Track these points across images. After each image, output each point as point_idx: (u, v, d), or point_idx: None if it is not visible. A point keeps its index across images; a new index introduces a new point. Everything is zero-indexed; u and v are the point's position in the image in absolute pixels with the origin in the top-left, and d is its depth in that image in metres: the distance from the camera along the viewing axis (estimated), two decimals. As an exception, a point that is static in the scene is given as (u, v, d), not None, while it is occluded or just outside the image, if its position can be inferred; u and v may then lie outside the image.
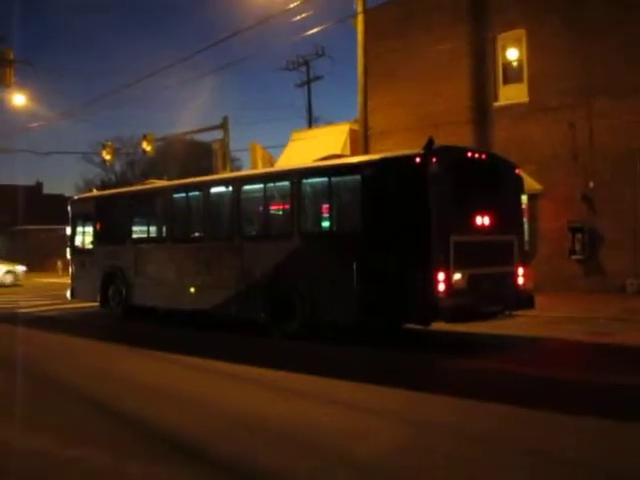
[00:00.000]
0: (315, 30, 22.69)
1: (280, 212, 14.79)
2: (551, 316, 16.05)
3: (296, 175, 13.95)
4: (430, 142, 11.62)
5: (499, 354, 11.93)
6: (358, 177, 12.72)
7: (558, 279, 21.26)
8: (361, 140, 21.96)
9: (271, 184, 14.62)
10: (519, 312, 14.36)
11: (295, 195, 13.71)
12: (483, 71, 23.81)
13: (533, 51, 22.69)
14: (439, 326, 12.20)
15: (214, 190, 16.01)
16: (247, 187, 15.18)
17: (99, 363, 11.74)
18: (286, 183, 14.09)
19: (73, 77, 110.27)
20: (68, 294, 20.12)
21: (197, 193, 16.47)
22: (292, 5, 21.45)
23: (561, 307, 17.46)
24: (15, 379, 10.31)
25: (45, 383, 10.14)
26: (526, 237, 21.23)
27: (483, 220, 12.20)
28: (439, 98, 24.49)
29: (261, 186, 14.74)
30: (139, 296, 17.42)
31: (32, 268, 50.20)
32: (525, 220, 21.49)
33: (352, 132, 26.93)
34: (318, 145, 26.97)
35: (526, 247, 16.13)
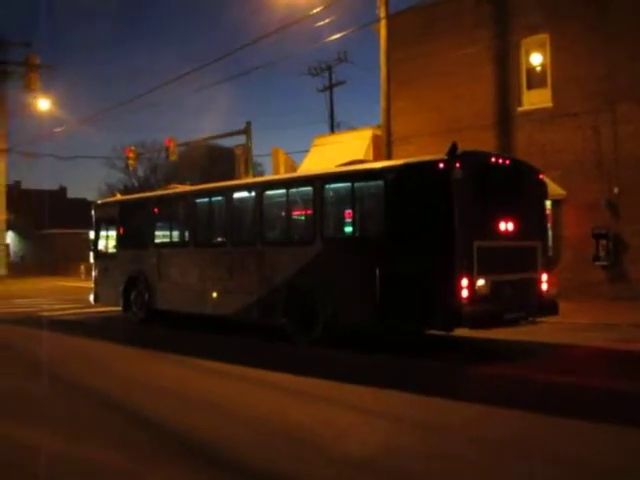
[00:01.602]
0: (338, 36, 22.71)
1: (302, 217, 14.78)
2: (575, 323, 15.92)
3: (318, 180, 13.91)
4: (454, 147, 11.53)
5: (523, 361, 11.85)
6: (381, 182, 12.67)
7: (582, 286, 21.10)
8: (384, 145, 21.95)
9: (293, 189, 14.59)
10: (542, 319, 14.25)
11: (317, 200, 13.67)
12: (506, 76, 23.72)
13: (557, 56, 22.56)
14: (462, 332, 12.12)
15: (236, 195, 16.00)
16: (269, 192, 15.16)
17: (121, 366, 11.82)
18: (308, 188, 14.05)
19: (97, 82, 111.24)
20: (91, 298, 20.18)
21: (219, 198, 16.49)
22: (315, 11, 21.50)
23: (585, 314, 17.31)
24: (39, 381, 10.39)
25: (68, 385, 10.20)
26: (550, 243, 21.14)
27: (507, 226, 12.12)
28: (462, 103, 24.44)
29: (283, 191, 14.74)
30: (161, 300, 17.44)
31: (56, 272, 50.75)
32: (549, 226, 21.42)
33: (375, 137, 26.91)
34: (341, 150, 26.97)
35: (550, 253, 16.11)
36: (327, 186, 13.78)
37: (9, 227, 50.35)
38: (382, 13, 21.51)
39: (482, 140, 23.38)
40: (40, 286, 36.36)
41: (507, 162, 12.89)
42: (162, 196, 19.31)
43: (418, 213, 11.89)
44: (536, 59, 23.56)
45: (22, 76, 40.36)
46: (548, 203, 22.30)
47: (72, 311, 21.69)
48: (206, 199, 17.06)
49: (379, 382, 9.86)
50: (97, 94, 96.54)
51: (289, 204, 14.65)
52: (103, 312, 20.54)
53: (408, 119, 25.56)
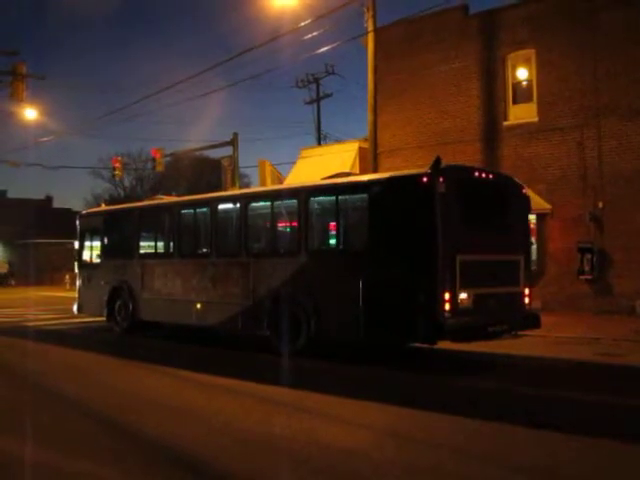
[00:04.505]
0: (325, 48, 22.80)
1: (287, 229, 14.82)
2: (559, 336, 15.94)
3: (304, 193, 13.93)
4: (437, 161, 11.58)
5: (507, 374, 11.90)
6: (365, 195, 12.74)
7: (566, 299, 21.21)
8: (370, 158, 22.00)
9: (278, 201, 14.64)
10: (527, 332, 14.27)
11: (302, 212, 13.69)
12: (493, 90, 23.84)
13: (542, 71, 22.71)
14: (446, 345, 12.14)
15: (221, 206, 16.01)
16: (254, 204, 15.20)
17: (105, 378, 11.73)
18: (293, 200, 14.08)
19: (83, 92, 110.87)
20: (75, 308, 20.07)
21: (204, 209, 16.48)
22: (303, 24, 21.57)
23: (569, 327, 17.34)
24: (23, 393, 10.35)
25: (53, 397, 10.11)
26: (533, 256, 21.25)
27: (490, 239, 12.21)
28: (448, 116, 24.56)
29: (268, 203, 14.77)
30: (145, 311, 17.38)
31: (41, 281, 50.46)
32: (534, 240, 21.52)
33: (361, 150, 26.97)
34: (327, 163, 27.02)
35: (533, 267, 16.06)
36: (312, 198, 13.82)
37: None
38: (370, 26, 21.58)
39: (468, 154, 23.51)
40: (25, 295, 36.10)
41: (491, 176, 12.98)
42: (147, 207, 19.33)
43: (402, 226, 11.93)
44: (522, 74, 23.69)
45: (8, 85, 40.19)
46: (533, 217, 22.45)
47: (57, 321, 21.55)
48: (191, 210, 17.09)
49: (362, 394, 9.83)
50: (83, 103, 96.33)
51: (274, 216, 14.66)
52: (88, 322, 20.41)
53: (395, 132, 25.65)
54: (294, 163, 31.71)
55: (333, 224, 13.51)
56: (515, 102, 23.71)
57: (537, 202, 22.22)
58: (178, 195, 23.21)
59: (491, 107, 23.84)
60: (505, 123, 23.59)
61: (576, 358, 13.14)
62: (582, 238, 21.30)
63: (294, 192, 14.51)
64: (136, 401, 9.76)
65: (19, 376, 12.01)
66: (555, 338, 15.76)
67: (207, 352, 15.28)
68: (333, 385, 10.69)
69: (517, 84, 23.83)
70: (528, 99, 23.31)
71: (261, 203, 15.20)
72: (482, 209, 12.34)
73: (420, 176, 11.66)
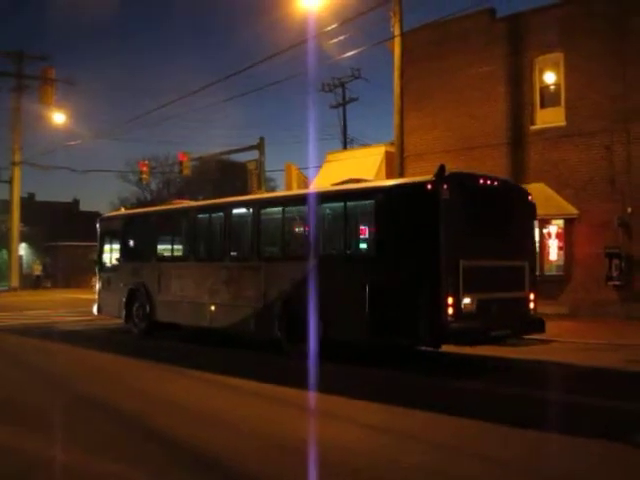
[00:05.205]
0: (351, 53, 22.83)
1: (297, 234, 15.18)
2: (586, 342, 15.80)
3: (313, 199, 14.24)
4: (441, 169, 11.80)
5: (531, 380, 11.78)
6: (372, 202, 12.98)
7: (594, 305, 21.01)
8: (397, 162, 21.98)
9: (289, 207, 14.97)
10: (555, 338, 14.18)
11: (312, 218, 14.01)
12: (520, 94, 23.72)
13: (571, 75, 22.55)
14: (465, 349, 12.15)
15: (234, 211, 16.34)
16: (266, 209, 15.50)
17: (130, 380, 11.84)
18: (303, 206, 14.41)
19: (111, 96, 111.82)
20: (94, 309, 20.42)
21: (218, 214, 16.83)
22: (329, 28, 21.61)
23: (596, 334, 17.18)
24: (50, 395, 10.48)
25: (78, 399, 10.20)
26: (560, 262, 21.12)
27: (494, 246, 12.41)
28: (475, 120, 24.46)
29: (280, 209, 15.06)
30: (161, 313, 17.74)
31: (68, 283, 50.92)
32: (560, 245, 21.36)
33: (388, 154, 26.91)
34: (353, 167, 26.99)
35: (560, 272, 15.93)
36: (321, 204, 14.07)
37: (22, 239, 50.61)
38: (396, 31, 21.59)
39: (495, 158, 23.44)
40: (51, 297, 36.44)
41: (495, 183, 13.10)
42: (163, 211, 19.80)
43: (407, 232, 12.14)
44: (550, 78, 23.56)
45: (37, 89, 40.69)
46: (560, 222, 22.32)
47: (82, 323, 21.79)
48: (205, 215, 17.49)
49: (385, 398, 9.86)
50: (111, 107, 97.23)
51: (285, 221, 14.99)
52: (111, 324, 20.55)
53: (421, 136, 25.58)
54: (320, 167, 31.73)
55: (341, 229, 13.70)
56: (543, 106, 23.56)
57: (564, 207, 22.09)
58: (204, 199, 23.32)
59: (518, 111, 23.72)
60: (532, 127, 23.45)
61: (605, 365, 13.01)
62: (610, 243, 21.11)
63: (303, 198, 14.87)
64: (161, 404, 9.81)
65: (44, 378, 12.15)
66: (583, 344, 15.62)
67: (223, 354, 15.49)
68: (355, 388, 10.69)
69: (545, 88, 23.69)
70: (556, 103, 23.16)
71: (272, 208, 15.47)
72: (486, 215, 12.55)
73: (424, 183, 11.93)
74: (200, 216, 17.58)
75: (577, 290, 21.54)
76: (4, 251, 53.07)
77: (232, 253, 16.05)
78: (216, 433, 8.01)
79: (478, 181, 12.76)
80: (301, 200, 14.90)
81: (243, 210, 16.17)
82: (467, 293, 11.61)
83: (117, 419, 8.83)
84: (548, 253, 22.71)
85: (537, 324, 13.25)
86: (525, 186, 21.81)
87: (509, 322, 12.63)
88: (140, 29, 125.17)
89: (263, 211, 15.38)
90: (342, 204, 13.53)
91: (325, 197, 14.34)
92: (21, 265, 51.43)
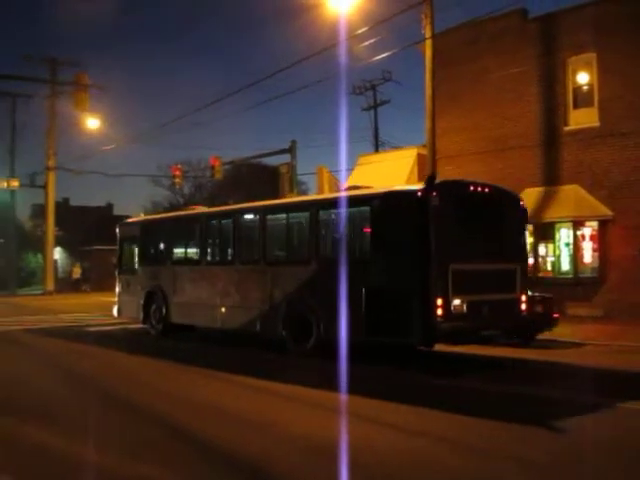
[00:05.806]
0: (382, 55, 22.78)
1: (300, 239, 15.69)
2: (622, 345, 15.64)
3: (314, 205, 15.14)
4: (431, 178, 12.82)
5: (564, 383, 11.71)
6: (367, 208, 13.59)
7: (629, 307, 20.75)
8: (429, 164, 21.96)
9: (292, 213, 15.70)
10: (590, 340, 14.06)
11: (313, 223, 14.71)
12: (552, 95, 23.55)
13: (604, 75, 22.34)
14: (492, 351, 12.67)
15: (243, 217, 17.04)
16: (271, 215, 16.07)
17: (157, 383, 12.02)
18: (305, 212, 15.13)
19: (143, 101, 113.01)
20: (115, 311, 21.00)
21: (228, 220, 17.48)
22: (360, 31, 21.62)
23: (632, 336, 16.97)
24: (84, 398, 10.62)
25: (108, 402, 10.30)
26: (595, 264, 20.87)
27: (484, 250, 12.94)
28: (507, 122, 24.33)
29: (283, 215, 15.78)
30: (176, 315, 18.29)
31: (101, 287, 51.41)
32: (595, 246, 21.15)
33: (420, 156, 26.89)
34: (385, 169, 27.01)
35: (594, 274, 15.81)
36: (321, 211, 14.87)
37: (57, 243, 51.21)
38: (427, 33, 21.57)
39: (527, 160, 23.33)
40: (85, 301, 36.82)
41: (486, 190, 13.56)
42: (179, 216, 20.61)
43: (400, 237, 12.69)
44: (583, 78, 23.35)
45: (72, 95, 41.13)
46: (594, 224, 22.11)
47: (110, 324, 22.19)
48: (217, 220, 18.21)
49: (411, 400, 9.97)
50: (144, 111, 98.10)
51: (288, 226, 15.67)
52: (135, 327, 20.78)
53: (453, 138, 25.48)
54: (352, 170, 31.74)
55: (340, 234, 14.15)
56: (576, 107, 23.37)
57: (598, 208, 21.89)
58: (236, 202, 23.58)
59: (551, 112, 23.55)
60: (565, 128, 23.26)
61: (632, 368, 12.88)
62: (645, 245, 20.86)
63: (305, 204, 15.92)
64: (192, 406, 9.83)
65: (77, 379, 12.45)
66: (618, 347, 15.47)
67: (240, 354, 16.02)
68: (377, 389, 10.88)
69: (578, 88, 23.49)
70: (589, 104, 22.97)
71: (276, 214, 16.07)
72: (477, 221, 13.08)
73: (415, 191, 12.63)
74: (211, 222, 18.27)
75: (612, 292, 21.32)
76: (39, 255, 53.80)
77: (240, 257, 16.66)
78: (246, 435, 8.05)
79: (468, 188, 13.31)
80: (302, 207, 15.85)
81: (250, 216, 16.91)
82: (457, 295, 12.15)
83: (148, 421, 8.92)
84: (582, 255, 22.50)
85: (528, 325, 14.30)
86: (559, 188, 21.70)
87: (500, 322, 13.29)
88: (171, 33, 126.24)
89: (268, 217, 16.01)
90: (340, 210, 14.11)
91: (324, 204, 15.32)
92: (56, 269, 52.04)
